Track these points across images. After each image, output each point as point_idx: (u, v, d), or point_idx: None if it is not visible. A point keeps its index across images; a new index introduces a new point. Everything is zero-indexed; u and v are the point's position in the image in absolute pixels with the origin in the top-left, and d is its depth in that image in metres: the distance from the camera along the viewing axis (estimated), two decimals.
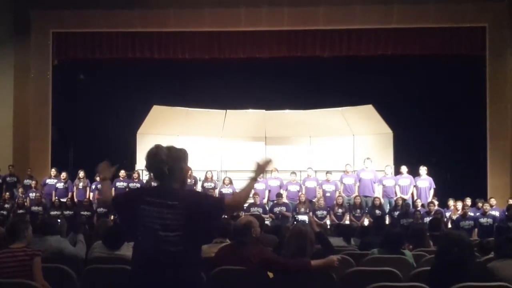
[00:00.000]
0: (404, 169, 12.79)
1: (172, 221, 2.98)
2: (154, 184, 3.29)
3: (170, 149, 3.17)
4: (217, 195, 12.46)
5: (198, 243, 3.16)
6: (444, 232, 4.76)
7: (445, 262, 3.96)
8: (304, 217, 11.14)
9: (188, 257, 3.03)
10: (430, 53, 14.13)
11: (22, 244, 4.27)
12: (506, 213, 11.00)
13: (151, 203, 3.04)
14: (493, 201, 11.79)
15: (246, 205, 12.27)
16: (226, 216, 6.01)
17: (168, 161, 3.10)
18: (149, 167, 3.16)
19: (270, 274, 4.10)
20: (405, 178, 12.71)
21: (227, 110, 16.24)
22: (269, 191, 13.08)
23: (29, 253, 4.15)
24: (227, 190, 12.90)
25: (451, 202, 12.15)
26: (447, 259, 3.94)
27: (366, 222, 11.86)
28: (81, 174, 13.37)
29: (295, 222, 10.64)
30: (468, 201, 11.66)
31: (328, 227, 10.93)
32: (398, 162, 14.04)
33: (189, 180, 3.03)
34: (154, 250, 2.97)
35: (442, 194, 12.84)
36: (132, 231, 3.09)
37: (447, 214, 11.76)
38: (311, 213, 12.00)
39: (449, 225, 11.09)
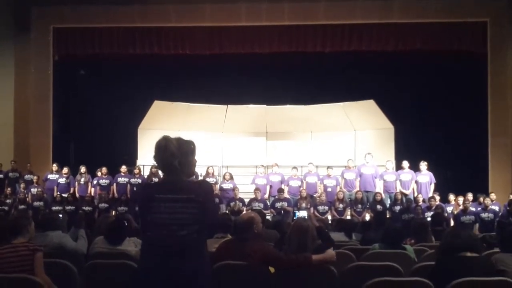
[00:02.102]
0: (405, 164, 12.77)
1: (188, 214, 2.97)
2: (155, 178, 3.30)
3: (179, 141, 3.12)
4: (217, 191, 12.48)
5: (206, 234, 3.18)
6: (450, 228, 4.79)
7: (449, 256, 3.97)
8: (303, 213, 11.15)
9: (198, 249, 3.03)
10: (431, 48, 14.07)
11: (24, 239, 4.28)
12: (508, 208, 11.01)
13: (160, 199, 3.01)
14: (494, 196, 11.80)
15: (247, 200, 12.33)
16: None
17: (178, 155, 3.06)
18: (158, 161, 3.10)
19: (272, 269, 4.10)
20: (407, 173, 12.70)
21: (228, 105, 16.24)
22: (271, 186, 13.08)
23: (31, 249, 4.15)
24: (227, 185, 12.90)
25: (451, 197, 12.16)
26: (452, 253, 3.96)
27: (367, 217, 11.86)
28: (83, 169, 13.37)
29: (294, 218, 10.67)
30: (470, 196, 11.67)
31: (330, 222, 10.94)
32: (399, 157, 14.04)
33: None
34: (167, 244, 2.96)
35: (444, 189, 12.83)
36: (142, 227, 3.11)
37: (448, 209, 11.76)
38: (312, 208, 12.02)
39: (451, 220, 11.09)
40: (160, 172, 3.48)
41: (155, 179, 12.33)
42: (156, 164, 3.15)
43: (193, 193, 3.02)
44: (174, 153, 3.04)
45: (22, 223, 4.36)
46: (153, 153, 3.11)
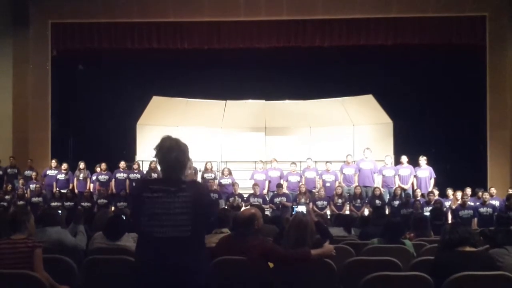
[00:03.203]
0: (404, 159, 12.78)
1: (181, 208, 3.00)
2: (154, 174, 3.32)
3: (181, 141, 3.21)
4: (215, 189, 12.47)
5: (202, 230, 3.20)
6: (449, 223, 4.84)
7: (448, 251, 3.99)
8: (302, 208, 11.16)
9: (194, 243, 3.04)
10: (430, 42, 14.07)
11: (23, 235, 4.26)
12: (506, 203, 11.02)
13: (155, 190, 3.04)
14: (493, 191, 11.81)
15: (246, 195, 12.33)
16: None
17: (186, 153, 3.17)
18: (167, 160, 3.12)
19: (271, 265, 4.11)
20: (406, 168, 12.71)
21: (227, 101, 16.23)
22: (269, 181, 13.08)
23: (30, 245, 4.14)
24: (226, 180, 12.90)
25: (449, 192, 12.16)
26: (451, 248, 3.98)
27: (366, 212, 11.88)
28: (82, 165, 13.35)
29: (293, 213, 10.68)
30: (468, 191, 11.68)
31: (328, 217, 10.95)
32: (398, 152, 14.05)
33: (189, 171, 3.10)
34: (160, 236, 2.97)
35: (442, 184, 12.84)
36: (136, 221, 3.13)
37: (447, 204, 11.77)
38: (311, 204, 12.03)
39: (449, 215, 11.11)
40: (159, 168, 3.52)
41: (154, 175, 12.34)
42: (162, 163, 3.16)
43: (186, 186, 3.07)
44: (185, 152, 3.15)
45: (21, 219, 4.33)
46: (158, 152, 3.15)
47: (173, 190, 3.03)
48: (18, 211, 4.67)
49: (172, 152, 3.09)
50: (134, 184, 12.84)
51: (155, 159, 3.20)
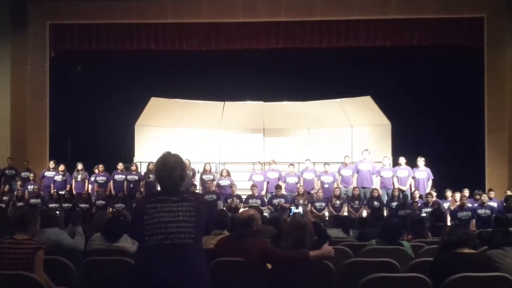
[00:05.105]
0: (402, 160, 12.79)
1: (184, 217, 3.08)
2: (152, 175, 3.36)
3: (179, 156, 3.30)
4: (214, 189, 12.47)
5: (202, 237, 3.27)
6: (450, 225, 4.85)
7: (447, 253, 4.00)
8: (299, 209, 11.15)
9: (196, 250, 3.11)
10: (428, 44, 14.09)
11: (26, 236, 4.26)
12: (504, 204, 11.03)
13: (158, 201, 3.12)
14: (492, 194, 11.81)
15: (244, 197, 12.34)
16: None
17: (184, 169, 3.27)
18: (176, 177, 3.19)
19: (269, 266, 4.11)
20: (404, 169, 12.72)
21: (225, 102, 16.23)
22: (268, 183, 13.09)
23: (33, 246, 4.14)
24: (224, 182, 12.89)
25: (448, 193, 12.17)
26: (450, 250, 3.99)
27: (364, 213, 11.87)
28: (80, 166, 13.34)
29: (290, 214, 10.68)
30: (466, 192, 11.70)
31: (327, 218, 10.95)
32: (396, 153, 14.06)
33: (187, 172, 3.16)
34: (166, 243, 3.03)
35: (440, 185, 12.85)
36: (137, 230, 3.16)
37: (445, 205, 11.78)
38: (309, 205, 12.02)
39: (447, 216, 11.11)
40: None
41: (152, 176, 12.34)
42: (167, 180, 3.20)
43: (188, 195, 3.20)
44: (185, 167, 3.27)
45: (29, 220, 4.33)
46: (162, 170, 3.21)
47: (175, 199, 3.12)
48: (28, 212, 4.69)
49: (176, 170, 3.18)
50: (131, 185, 12.92)
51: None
